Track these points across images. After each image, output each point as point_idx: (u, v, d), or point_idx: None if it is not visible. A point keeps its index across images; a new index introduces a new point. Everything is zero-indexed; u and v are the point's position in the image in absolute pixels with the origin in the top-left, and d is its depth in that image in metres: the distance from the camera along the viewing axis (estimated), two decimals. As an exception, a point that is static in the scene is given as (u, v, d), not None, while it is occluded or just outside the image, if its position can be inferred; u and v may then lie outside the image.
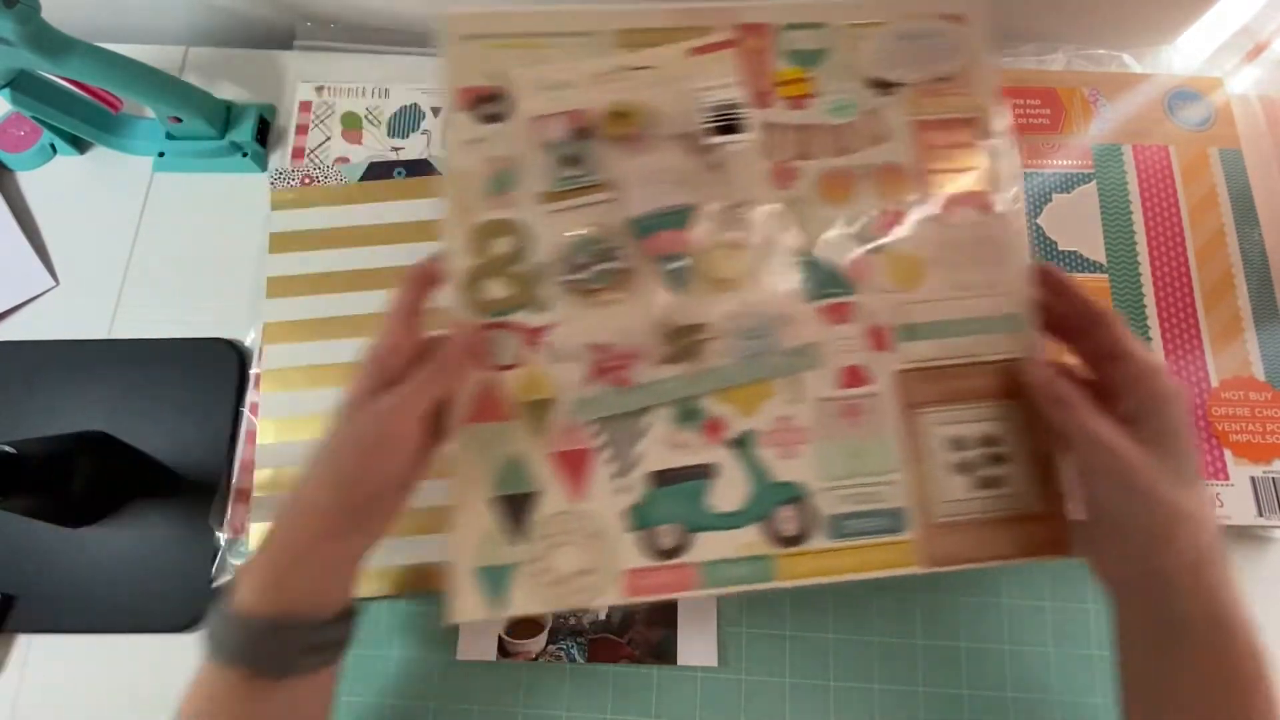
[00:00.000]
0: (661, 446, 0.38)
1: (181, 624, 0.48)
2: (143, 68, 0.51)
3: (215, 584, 0.48)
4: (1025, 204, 0.53)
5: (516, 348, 0.39)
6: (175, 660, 0.47)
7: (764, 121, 0.41)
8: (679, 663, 0.46)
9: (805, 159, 0.41)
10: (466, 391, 0.37)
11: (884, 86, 0.42)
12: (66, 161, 0.59)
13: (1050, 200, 0.54)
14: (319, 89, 0.59)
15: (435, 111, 0.58)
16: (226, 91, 0.59)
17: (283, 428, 0.50)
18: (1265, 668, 0.32)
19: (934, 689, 0.46)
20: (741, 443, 0.38)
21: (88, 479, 0.47)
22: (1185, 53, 0.59)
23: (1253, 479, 0.48)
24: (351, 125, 0.58)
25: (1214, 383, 0.50)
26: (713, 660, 0.46)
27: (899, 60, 0.42)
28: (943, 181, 0.41)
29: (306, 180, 0.56)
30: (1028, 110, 0.56)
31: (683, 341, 0.39)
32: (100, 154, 0.59)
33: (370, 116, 0.58)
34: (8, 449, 0.42)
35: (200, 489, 0.49)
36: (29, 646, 0.48)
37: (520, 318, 0.39)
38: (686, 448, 0.38)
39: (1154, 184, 0.54)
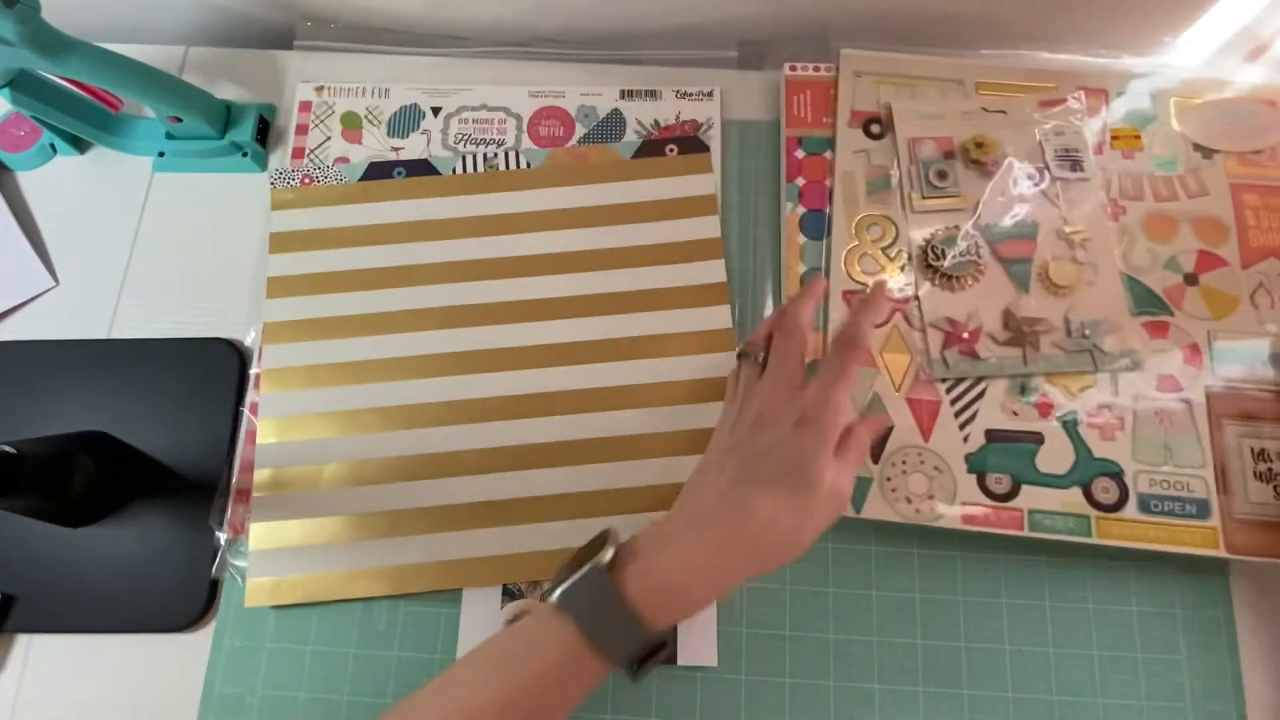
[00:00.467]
0: (999, 411, 0.48)
1: (181, 624, 0.48)
2: (143, 68, 0.51)
3: (213, 581, 0.48)
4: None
5: (889, 311, 0.50)
6: (175, 660, 0.48)
7: (1100, 164, 0.52)
8: (679, 662, 0.46)
9: (1133, 200, 0.52)
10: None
11: (1205, 152, 0.53)
12: (66, 161, 0.59)
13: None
14: (319, 89, 0.59)
15: (435, 111, 0.58)
16: (226, 91, 0.59)
17: (283, 428, 0.50)
18: None
19: (934, 689, 0.46)
20: (1066, 421, 0.47)
21: (88, 479, 0.47)
22: (1185, 52, 0.59)
23: None
24: (351, 125, 0.58)
25: None
26: (713, 660, 0.46)
27: (1219, 131, 0.53)
28: (1255, 234, 0.51)
29: (306, 180, 0.56)
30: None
31: (1022, 330, 0.49)
32: (100, 154, 0.59)
33: (370, 116, 0.58)
34: (8, 449, 0.42)
35: (200, 489, 0.49)
36: (29, 646, 0.48)
37: (889, 289, 0.49)
38: (1020, 416, 0.48)
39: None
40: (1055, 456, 0.46)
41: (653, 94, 0.59)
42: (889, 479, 0.47)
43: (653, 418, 0.50)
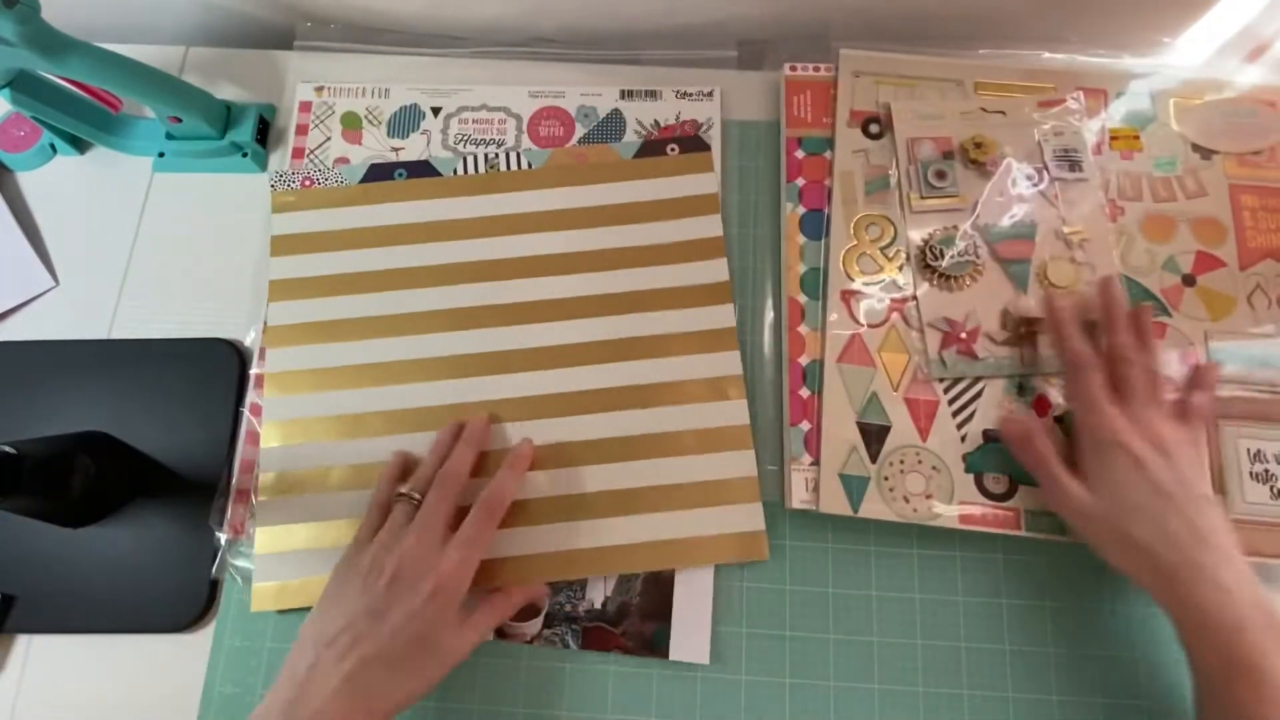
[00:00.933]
0: (996, 410, 0.48)
1: (181, 624, 0.48)
2: (143, 68, 0.51)
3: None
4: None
5: (884, 311, 0.50)
6: (175, 660, 0.48)
7: (1099, 165, 0.53)
8: (670, 657, 0.46)
9: (1131, 200, 0.52)
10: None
11: (1204, 152, 0.53)
12: (66, 161, 0.59)
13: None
14: (319, 89, 0.59)
15: (435, 111, 0.58)
16: (226, 91, 0.59)
17: (286, 431, 0.50)
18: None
19: (934, 689, 0.46)
20: (1064, 419, 0.47)
21: (88, 479, 0.47)
22: (1185, 53, 0.59)
23: None
24: (351, 125, 0.58)
25: None
26: (704, 658, 0.46)
27: (1218, 132, 0.53)
28: (1252, 235, 0.51)
29: (307, 182, 0.56)
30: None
31: (1020, 329, 0.49)
32: (100, 154, 0.59)
33: (370, 117, 0.58)
34: (8, 449, 0.42)
35: (200, 489, 0.49)
36: (29, 646, 0.48)
37: (888, 288, 0.51)
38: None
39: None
40: None
41: (653, 94, 0.59)
42: (886, 478, 0.47)
43: (655, 418, 0.50)
